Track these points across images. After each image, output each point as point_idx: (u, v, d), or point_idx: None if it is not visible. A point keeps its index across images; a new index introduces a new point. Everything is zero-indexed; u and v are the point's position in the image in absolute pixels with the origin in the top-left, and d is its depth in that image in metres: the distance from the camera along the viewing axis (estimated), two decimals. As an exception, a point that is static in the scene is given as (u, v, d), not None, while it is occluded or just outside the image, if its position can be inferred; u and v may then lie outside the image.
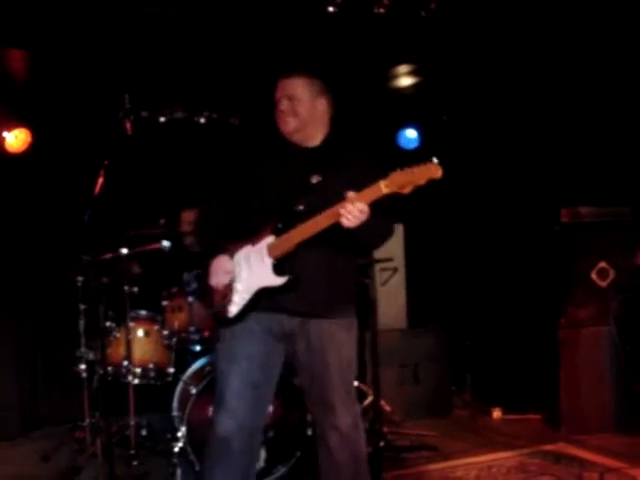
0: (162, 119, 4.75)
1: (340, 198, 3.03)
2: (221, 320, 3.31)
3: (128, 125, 4.72)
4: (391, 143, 6.70)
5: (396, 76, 6.65)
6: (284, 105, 3.32)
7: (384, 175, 2.99)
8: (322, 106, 3.38)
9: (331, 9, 5.55)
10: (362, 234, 3.10)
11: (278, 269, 3.18)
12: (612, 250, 5.34)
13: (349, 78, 6.10)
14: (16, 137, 5.64)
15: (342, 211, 2.98)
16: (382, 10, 5.64)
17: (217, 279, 3.27)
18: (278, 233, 3.18)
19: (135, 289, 4.99)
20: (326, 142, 3.40)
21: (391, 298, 5.99)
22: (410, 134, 6.72)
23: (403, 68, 6.60)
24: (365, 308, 5.24)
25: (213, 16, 5.53)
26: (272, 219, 3.20)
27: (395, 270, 6.00)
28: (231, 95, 5.80)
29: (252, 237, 3.25)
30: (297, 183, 3.24)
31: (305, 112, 3.32)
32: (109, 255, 4.88)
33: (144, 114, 4.65)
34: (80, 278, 4.99)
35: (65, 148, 5.83)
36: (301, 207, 3.17)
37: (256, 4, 5.46)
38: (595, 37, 5.53)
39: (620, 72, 5.57)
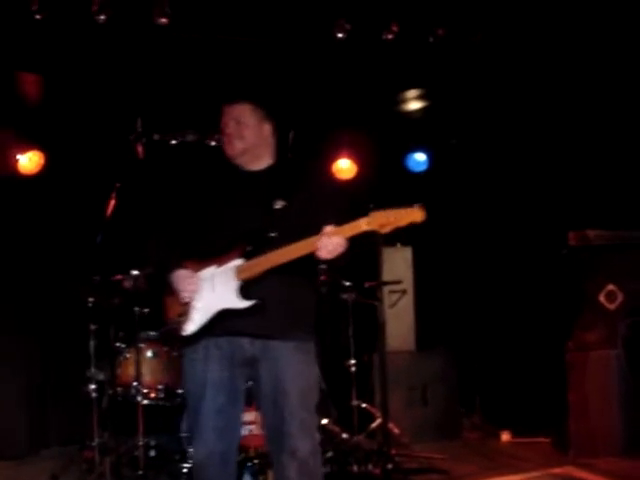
0: (173, 142, 4.78)
1: (307, 224, 3.11)
2: (174, 337, 3.29)
3: (140, 148, 4.77)
4: (400, 166, 6.75)
5: (405, 100, 6.72)
6: (231, 128, 3.34)
7: (339, 199, 3.23)
8: (267, 131, 3.40)
9: (340, 35, 5.62)
10: (333, 262, 3.14)
11: (243, 292, 3.16)
12: (620, 273, 5.34)
13: (359, 103, 6.18)
14: (29, 159, 5.71)
15: (320, 244, 3.01)
16: (390, 36, 5.72)
17: (188, 292, 3.21)
18: (248, 257, 3.16)
19: (145, 310, 5.02)
20: (274, 166, 3.41)
21: (400, 320, 6.01)
22: (419, 157, 6.78)
23: (412, 92, 6.67)
24: (374, 330, 5.25)
25: (224, 41, 5.61)
26: (241, 242, 3.19)
27: (404, 292, 6.02)
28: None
29: (216, 258, 3.21)
30: (260, 207, 3.23)
31: (251, 135, 3.34)
32: (120, 276, 4.92)
33: (156, 137, 4.70)
34: (91, 299, 5.02)
35: (78, 170, 5.90)
36: (273, 234, 3.16)
37: (267, 29, 5.54)
38: (602, 60, 5.58)
39: (628, 96, 5.61)
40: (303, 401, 3.23)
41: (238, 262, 3.17)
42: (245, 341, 3.21)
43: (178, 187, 3.47)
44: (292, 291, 3.26)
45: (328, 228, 3.02)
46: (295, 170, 3.40)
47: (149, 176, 5.61)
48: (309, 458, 3.20)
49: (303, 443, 3.18)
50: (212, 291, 3.20)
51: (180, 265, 3.25)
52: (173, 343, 3.29)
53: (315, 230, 3.06)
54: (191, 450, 4.48)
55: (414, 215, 2.98)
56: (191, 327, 3.23)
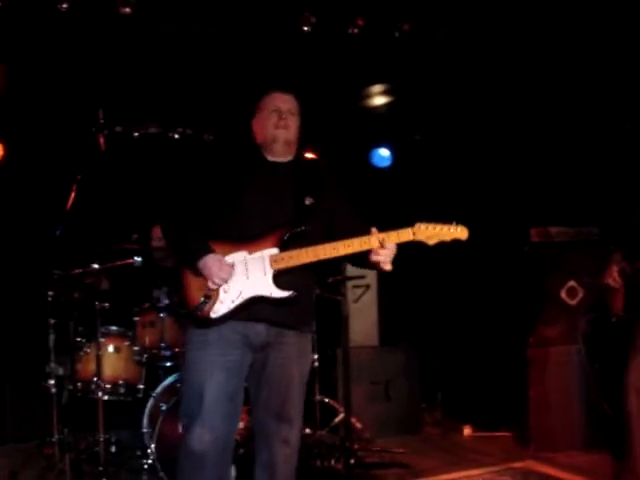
0: (136, 134, 4.74)
1: (330, 222, 3.33)
2: (199, 319, 3.24)
3: (102, 140, 4.72)
4: (364, 161, 6.75)
5: (369, 95, 6.72)
6: (289, 118, 3.38)
7: (344, 194, 3.43)
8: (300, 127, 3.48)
9: (306, 28, 5.60)
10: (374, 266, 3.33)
11: (277, 282, 3.21)
12: (581, 269, 5.40)
13: (323, 97, 6.15)
14: (-11, 150, 5.60)
15: (380, 249, 3.19)
16: (356, 30, 5.71)
17: (220, 279, 3.19)
18: (283, 247, 3.22)
19: (106, 304, 4.95)
20: (295, 161, 3.46)
21: (363, 315, 6.01)
22: (383, 153, 6.78)
23: (376, 88, 6.67)
24: (337, 325, 5.25)
25: (188, 33, 5.55)
26: (275, 232, 3.23)
27: (367, 287, 6.02)
28: (205, 111, 5.81)
29: (246, 244, 3.24)
30: (293, 201, 3.31)
31: (296, 129, 3.42)
32: (80, 270, 4.85)
33: (118, 129, 4.65)
34: (51, 293, 4.94)
35: (38, 162, 5.81)
36: (307, 228, 3.24)
37: (231, 22, 5.49)
38: (566, 55, 5.62)
39: (590, 94, 5.66)
40: (301, 390, 3.38)
41: (273, 251, 3.22)
42: (262, 327, 3.26)
43: (208, 169, 3.43)
44: (310, 285, 3.42)
45: (374, 230, 3.19)
46: (314, 168, 3.50)
47: (111, 168, 5.55)
48: (297, 446, 3.36)
49: (296, 432, 3.34)
50: (245, 276, 3.23)
51: (212, 249, 3.23)
52: (197, 323, 3.26)
53: (339, 230, 3.27)
54: (152, 446, 4.48)
55: (459, 233, 3.27)
56: (222, 309, 3.22)
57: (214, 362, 3.22)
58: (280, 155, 3.41)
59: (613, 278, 4.32)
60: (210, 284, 3.20)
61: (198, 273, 3.22)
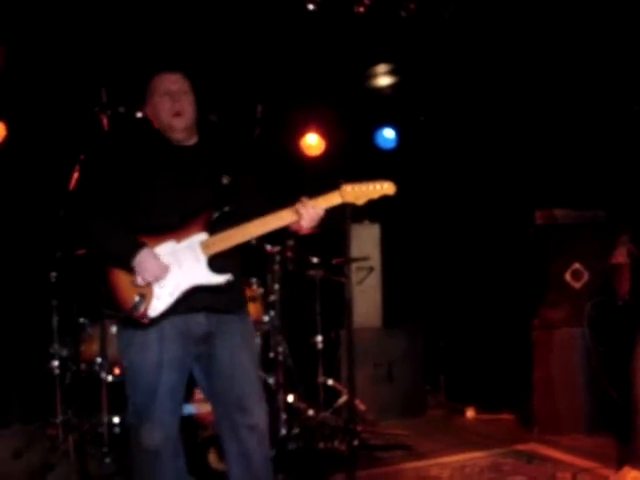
0: (139, 114, 4.69)
1: (252, 197, 3.28)
2: (137, 320, 3.10)
3: (105, 120, 4.68)
4: (369, 142, 6.72)
5: (375, 75, 6.67)
6: (183, 100, 3.27)
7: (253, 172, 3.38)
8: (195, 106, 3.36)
9: (311, 7, 5.55)
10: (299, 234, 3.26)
11: (212, 267, 3.12)
12: (586, 252, 5.38)
13: (328, 77, 6.12)
14: (-9, 131, 5.57)
15: (306, 215, 3.10)
16: (362, 9, 5.66)
17: (158, 274, 3.07)
18: (212, 231, 3.13)
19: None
20: (202, 142, 3.37)
21: (367, 297, 6.00)
22: (388, 134, 6.75)
23: (382, 68, 6.62)
24: (340, 307, 5.24)
25: (191, 12, 5.50)
26: (199, 217, 3.14)
27: (371, 269, 6.01)
28: (210, 91, 5.76)
29: (171, 233, 3.13)
30: (209, 183, 3.21)
31: (193, 109, 3.30)
32: (83, 251, 4.83)
33: (121, 109, 4.61)
34: (54, 274, 4.94)
35: (41, 142, 5.77)
36: (232, 208, 3.15)
37: (236, 1, 5.44)
38: (570, 39, 5.57)
39: (596, 76, 5.61)
40: (256, 373, 3.34)
41: (202, 236, 3.13)
42: (201, 317, 3.17)
43: (116, 163, 3.30)
44: (239, 266, 3.32)
45: (305, 199, 3.10)
46: (226, 145, 3.40)
47: (114, 149, 5.51)
48: (265, 429, 3.27)
49: (261, 417, 3.25)
50: (179, 267, 3.11)
51: (144, 243, 3.10)
52: (135, 325, 3.11)
53: (260, 203, 3.21)
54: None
55: (386, 189, 3.15)
56: (160, 306, 3.09)
57: (158, 360, 3.12)
58: (185, 140, 3.30)
59: (623, 257, 4.29)
60: (143, 280, 3.07)
61: (129, 271, 3.08)
